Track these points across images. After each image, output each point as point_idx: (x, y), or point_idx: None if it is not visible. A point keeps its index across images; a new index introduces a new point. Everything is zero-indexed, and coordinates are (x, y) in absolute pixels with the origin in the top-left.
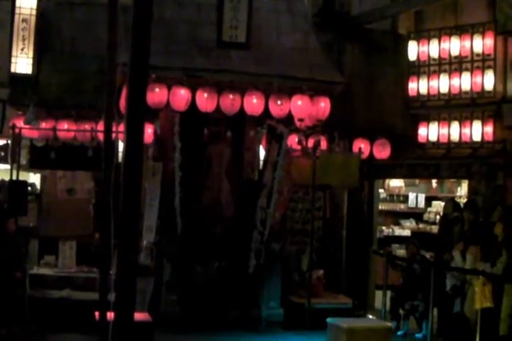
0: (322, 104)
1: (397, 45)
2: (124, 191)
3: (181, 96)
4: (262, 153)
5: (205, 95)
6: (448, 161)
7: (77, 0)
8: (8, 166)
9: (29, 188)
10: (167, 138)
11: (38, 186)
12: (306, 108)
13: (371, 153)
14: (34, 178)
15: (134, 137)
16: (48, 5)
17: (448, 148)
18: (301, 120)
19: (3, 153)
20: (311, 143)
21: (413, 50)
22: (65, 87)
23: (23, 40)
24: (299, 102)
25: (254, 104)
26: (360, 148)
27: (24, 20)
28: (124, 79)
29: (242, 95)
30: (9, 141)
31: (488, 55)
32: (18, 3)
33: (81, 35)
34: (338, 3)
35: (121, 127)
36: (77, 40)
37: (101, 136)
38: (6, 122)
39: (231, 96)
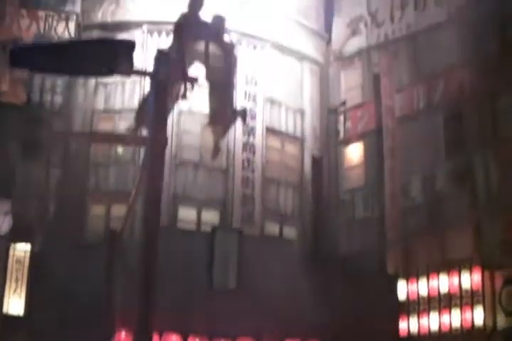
0: None
1: (386, 284)
2: None
3: None
4: None
5: None
6: None
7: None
8: None
9: None
10: None
11: None
12: None
13: None
14: None
15: None
16: (43, 246)
17: None
18: None
19: None
20: None
21: (402, 289)
22: (57, 325)
23: (17, 281)
24: None
25: None
26: None
27: (18, 261)
28: None
29: None
30: None
31: (477, 290)
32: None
33: (73, 274)
34: (326, 243)
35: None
36: (69, 280)
37: None
38: None
39: None
